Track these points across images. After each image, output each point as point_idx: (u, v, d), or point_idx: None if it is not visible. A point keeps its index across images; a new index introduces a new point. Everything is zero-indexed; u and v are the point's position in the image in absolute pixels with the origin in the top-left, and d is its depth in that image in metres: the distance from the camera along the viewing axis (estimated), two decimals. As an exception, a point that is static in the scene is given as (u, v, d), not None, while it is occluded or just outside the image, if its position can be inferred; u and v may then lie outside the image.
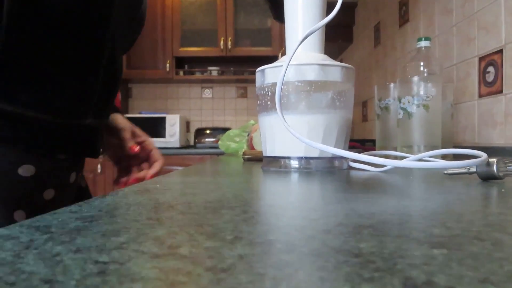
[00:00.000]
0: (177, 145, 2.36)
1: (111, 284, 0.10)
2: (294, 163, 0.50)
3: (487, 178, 0.35)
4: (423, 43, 0.90)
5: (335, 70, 0.50)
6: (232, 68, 2.78)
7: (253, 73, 2.61)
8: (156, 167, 0.65)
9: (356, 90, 2.20)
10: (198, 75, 2.77)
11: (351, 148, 1.21)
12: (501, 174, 0.35)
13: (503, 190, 0.30)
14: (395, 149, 0.94)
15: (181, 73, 2.74)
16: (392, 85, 1.01)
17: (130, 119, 0.68)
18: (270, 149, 0.53)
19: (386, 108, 1.02)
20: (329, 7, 0.50)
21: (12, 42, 0.39)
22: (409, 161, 0.39)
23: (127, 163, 0.67)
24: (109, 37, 0.47)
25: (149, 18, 2.08)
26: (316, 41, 0.53)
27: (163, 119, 2.39)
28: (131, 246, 0.14)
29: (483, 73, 1.01)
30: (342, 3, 0.45)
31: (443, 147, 0.86)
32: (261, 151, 0.69)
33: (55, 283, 0.11)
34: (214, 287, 0.10)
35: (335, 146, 0.50)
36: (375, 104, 1.05)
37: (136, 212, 0.21)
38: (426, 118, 0.81)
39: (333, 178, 0.40)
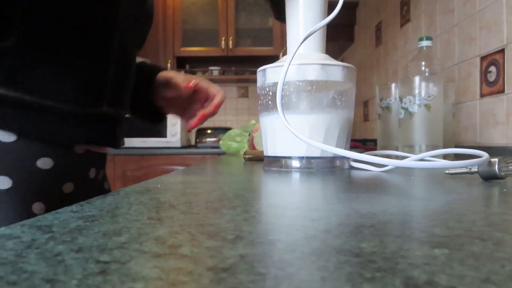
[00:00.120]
0: (178, 144, 2.36)
1: (112, 283, 0.10)
2: (295, 163, 0.50)
3: (489, 178, 0.35)
4: (425, 43, 0.90)
5: (337, 70, 0.50)
6: (233, 68, 2.78)
7: (254, 73, 2.60)
8: (217, 97, 0.65)
9: (357, 89, 2.20)
10: (199, 75, 2.77)
11: (352, 148, 1.21)
12: (502, 174, 0.34)
13: (504, 190, 0.30)
14: (397, 149, 0.94)
15: (182, 73, 2.73)
16: (393, 84, 1.01)
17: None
18: (271, 149, 0.53)
19: (388, 108, 1.02)
20: (330, 7, 0.50)
21: (27, 32, 0.41)
22: (411, 161, 0.39)
23: (192, 111, 0.69)
24: (118, 28, 0.49)
25: (150, 18, 2.08)
26: (317, 40, 0.53)
27: (164, 119, 2.39)
28: (132, 246, 0.14)
29: (484, 72, 1.01)
30: (343, 3, 0.44)
31: (444, 147, 0.86)
32: (262, 151, 0.69)
33: (56, 282, 0.11)
34: (215, 287, 0.10)
35: (336, 146, 0.50)
36: (377, 104, 1.05)
37: (137, 212, 0.21)
38: (428, 117, 0.81)
39: (334, 178, 0.40)
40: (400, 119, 0.86)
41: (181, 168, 1.53)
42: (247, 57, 2.66)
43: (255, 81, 2.67)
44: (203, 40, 2.63)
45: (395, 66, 1.65)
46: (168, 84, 0.66)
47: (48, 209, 0.44)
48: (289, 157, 0.50)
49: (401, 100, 0.85)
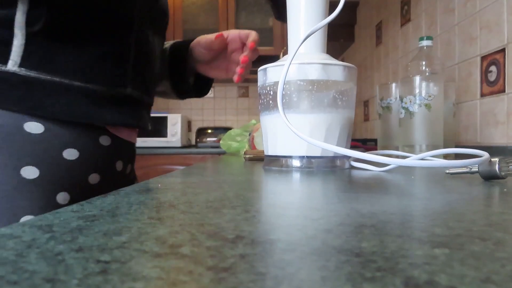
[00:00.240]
0: (179, 144, 2.36)
1: (113, 283, 0.10)
2: (296, 163, 0.50)
3: (489, 177, 0.35)
4: (425, 42, 0.90)
5: (337, 70, 0.50)
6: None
7: (255, 72, 2.60)
8: (250, 37, 0.65)
9: (358, 89, 2.20)
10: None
11: (352, 147, 1.21)
12: (503, 173, 0.34)
13: (505, 189, 0.30)
14: (397, 149, 0.94)
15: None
16: (394, 84, 1.01)
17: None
18: (271, 149, 0.53)
19: (388, 108, 1.02)
20: (331, 6, 0.50)
21: (54, 17, 0.43)
22: (411, 161, 0.39)
23: (233, 65, 0.69)
24: (136, 16, 0.51)
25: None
26: (318, 40, 0.53)
27: (164, 119, 2.40)
28: (132, 245, 0.14)
29: (485, 72, 1.01)
30: (344, 2, 0.44)
31: (445, 147, 0.86)
32: (263, 151, 0.69)
33: (57, 282, 0.11)
34: (215, 287, 0.10)
35: (337, 146, 0.50)
36: (377, 104, 1.05)
37: (138, 212, 0.21)
38: (428, 117, 0.81)
39: (334, 177, 0.40)
40: (400, 118, 0.86)
41: (181, 168, 1.53)
42: (247, 57, 2.66)
43: (255, 80, 2.67)
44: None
45: (396, 65, 1.65)
46: (200, 45, 0.66)
47: (73, 199, 0.46)
48: (290, 157, 0.50)
49: (401, 99, 0.85)
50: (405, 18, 1.54)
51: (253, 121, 1.13)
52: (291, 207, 0.22)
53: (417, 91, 0.81)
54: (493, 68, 0.98)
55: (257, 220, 0.19)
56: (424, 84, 0.81)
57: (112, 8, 0.48)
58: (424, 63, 0.89)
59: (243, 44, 0.68)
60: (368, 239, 0.15)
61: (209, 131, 2.58)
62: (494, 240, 0.15)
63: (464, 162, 0.35)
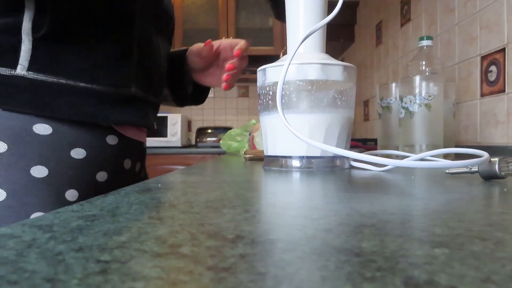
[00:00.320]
0: (179, 144, 2.36)
1: (113, 283, 0.10)
2: (296, 163, 0.50)
3: (489, 177, 0.35)
4: (425, 42, 0.90)
5: (337, 69, 0.50)
6: (233, 67, 2.78)
7: (255, 72, 2.60)
8: (238, 45, 0.66)
9: (358, 89, 2.20)
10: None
11: (352, 147, 1.21)
12: (503, 173, 0.34)
13: (505, 189, 0.30)
14: (397, 149, 0.94)
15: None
16: (393, 84, 1.01)
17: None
18: (271, 149, 0.53)
19: (388, 108, 1.02)
20: (331, 6, 0.50)
21: (56, 22, 0.45)
22: (411, 161, 0.39)
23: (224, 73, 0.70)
24: (138, 18, 0.53)
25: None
26: (318, 40, 0.53)
27: (164, 119, 2.39)
28: (132, 245, 0.14)
29: (485, 72, 1.01)
30: (344, 2, 0.44)
31: (445, 147, 0.86)
32: (263, 151, 0.69)
33: (57, 281, 0.11)
34: (215, 286, 0.10)
35: (337, 146, 0.50)
36: (377, 104, 1.05)
37: (138, 211, 0.21)
38: (428, 117, 0.81)
39: (334, 177, 0.40)
40: (400, 118, 0.86)
41: (181, 167, 1.53)
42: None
43: (255, 80, 2.67)
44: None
45: (396, 65, 1.65)
46: (194, 54, 0.68)
47: (81, 196, 0.48)
48: (289, 157, 0.50)
49: (401, 99, 0.85)
50: (405, 18, 1.54)
51: (253, 121, 1.13)
52: (291, 207, 0.22)
53: (417, 91, 0.81)
54: (493, 68, 0.98)
55: (257, 220, 0.19)
56: (424, 84, 0.81)
57: (112, 10, 0.49)
58: (424, 63, 0.89)
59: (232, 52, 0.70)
60: (368, 239, 0.15)
61: (209, 131, 2.58)
62: (494, 240, 0.15)
63: (464, 162, 0.35)
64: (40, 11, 0.44)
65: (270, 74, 0.53)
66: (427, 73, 0.87)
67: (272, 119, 0.52)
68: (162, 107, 0.68)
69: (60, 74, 0.46)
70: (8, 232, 0.16)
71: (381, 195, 0.26)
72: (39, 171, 0.44)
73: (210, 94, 3.14)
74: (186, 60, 0.70)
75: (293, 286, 0.10)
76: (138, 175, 0.61)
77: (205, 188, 0.31)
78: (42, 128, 0.45)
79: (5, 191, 0.42)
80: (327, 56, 0.53)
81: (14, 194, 0.43)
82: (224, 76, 0.64)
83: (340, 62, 0.50)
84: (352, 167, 0.52)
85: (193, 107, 2.96)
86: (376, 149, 1.18)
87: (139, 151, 0.60)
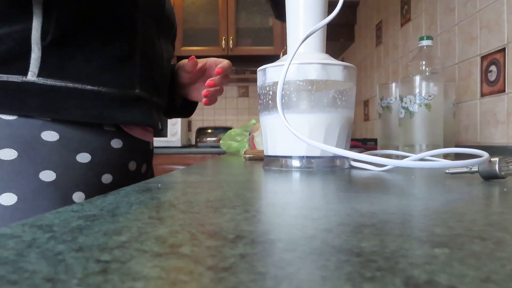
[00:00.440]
0: (179, 144, 2.36)
1: (113, 282, 0.10)
2: (296, 163, 0.50)
3: (489, 177, 0.35)
4: (425, 42, 0.90)
5: (337, 69, 0.50)
6: (233, 67, 2.78)
7: (255, 72, 2.60)
8: (221, 64, 0.69)
9: (358, 89, 2.20)
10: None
11: (352, 147, 1.21)
12: (503, 173, 0.34)
13: (505, 189, 0.30)
14: (397, 148, 0.94)
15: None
16: (393, 84, 1.01)
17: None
18: (271, 148, 0.53)
19: (388, 107, 1.02)
20: (331, 6, 0.50)
21: (61, 29, 0.47)
22: (411, 161, 0.39)
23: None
24: (140, 22, 0.55)
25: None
26: (318, 40, 0.53)
27: (164, 118, 2.40)
28: (132, 245, 0.14)
29: (485, 72, 1.01)
30: (344, 2, 0.44)
31: (445, 146, 0.86)
32: (263, 151, 0.69)
33: (57, 281, 0.11)
34: (215, 286, 0.10)
35: (337, 145, 0.50)
36: (377, 103, 1.05)
37: (138, 211, 0.21)
38: (428, 117, 0.81)
39: (334, 177, 0.40)
40: (400, 118, 0.86)
41: (181, 167, 1.53)
42: (247, 57, 2.66)
43: (255, 80, 2.66)
44: (204, 40, 2.62)
45: (396, 65, 1.65)
46: (180, 69, 0.71)
47: (87, 198, 0.50)
48: (289, 157, 0.50)
49: (401, 99, 0.85)
50: (405, 18, 1.54)
51: (253, 121, 1.13)
52: (291, 207, 0.22)
53: (417, 90, 0.81)
54: (493, 68, 0.98)
55: (257, 220, 0.19)
56: (424, 84, 0.81)
57: (114, 15, 0.52)
58: (424, 62, 0.89)
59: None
60: (368, 239, 0.15)
61: (209, 131, 2.58)
62: (494, 240, 0.15)
63: (464, 162, 0.35)
64: (47, 19, 0.46)
65: (270, 74, 0.53)
66: (427, 73, 0.87)
67: (272, 119, 0.52)
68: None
69: (67, 78, 0.48)
70: (8, 232, 0.16)
71: (381, 195, 0.26)
72: (48, 176, 0.47)
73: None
74: (176, 74, 0.73)
75: (293, 286, 0.10)
76: (144, 176, 0.63)
77: (205, 188, 0.31)
78: (50, 135, 0.48)
79: (16, 195, 0.45)
80: (327, 56, 0.53)
81: (25, 198, 0.45)
82: (204, 91, 0.67)
83: (340, 62, 0.51)
84: (352, 167, 0.52)
85: (193, 107, 2.95)
86: (376, 149, 1.18)
87: (146, 152, 0.62)
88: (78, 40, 0.49)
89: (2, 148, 0.45)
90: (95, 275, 0.11)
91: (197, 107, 0.82)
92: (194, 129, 2.88)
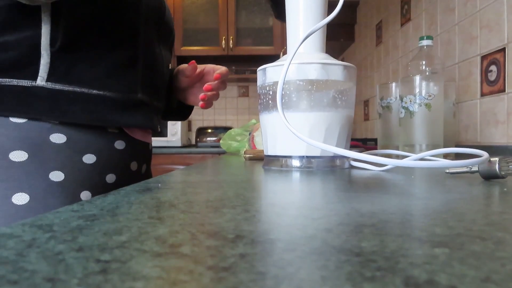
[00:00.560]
0: (179, 144, 2.36)
1: (113, 282, 0.11)
2: (296, 162, 0.50)
3: (489, 177, 0.35)
4: (425, 42, 0.90)
5: (337, 69, 0.50)
6: (233, 67, 2.78)
7: (255, 72, 2.60)
8: (219, 70, 0.71)
9: (358, 89, 2.20)
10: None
11: (352, 147, 1.21)
12: (503, 173, 0.34)
13: (505, 189, 0.30)
14: (397, 148, 0.94)
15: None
16: (394, 84, 1.01)
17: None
18: (271, 148, 0.53)
19: (388, 107, 1.02)
20: (331, 6, 0.50)
21: (69, 36, 0.49)
22: (411, 161, 0.39)
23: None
24: (142, 30, 0.57)
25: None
26: (318, 40, 0.53)
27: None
28: (132, 245, 0.14)
29: (485, 72, 1.01)
30: (344, 2, 0.44)
31: (445, 146, 0.86)
32: (263, 150, 0.69)
33: (57, 281, 0.11)
34: (215, 286, 0.10)
35: (337, 145, 0.50)
36: (377, 103, 1.05)
37: (138, 211, 0.21)
38: (428, 117, 0.81)
39: (334, 177, 0.40)
40: (400, 118, 0.86)
41: (181, 167, 1.53)
42: (247, 56, 2.66)
43: (255, 80, 2.66)
44: (204, 39, 2.62)
45: (396, 65, 1.65)
46: (179, 73, 0.73)
47: (93, 196, 0.52)
48: (289, 157, 0.50)
49: (401, 99, 0.85)
50: (405, 18, 1.54)
51: (253, 121, 1.13)
52: (291, 207, 0.22)
53: (417, 90, 0.81)
54: (493, 68, 0.98)
55: (257, 220, 0.19)
56: (424, 83, 0.81)
57: (118, 22, 0.54)
58: (424, 62, 0.89)
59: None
60: (368, 239, 0.15)
61: (209, 130, 2.58)
62: (494, 240, 0.15)
63: (464, 162, 0.35)
64: (55, 26, 0.48)
65: (270, 74, 0.53)
66: (427, 73, 0.87)
67: (272, 118, 0.52)
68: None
69: (74, 83, 0.50)
70: (8, 232, 0.16)
71: (381, 195, 0.26)
72: (57, 176, 0.49)
73: (210, 94, 3.14)
74: (174, 78, 0.75)
75: (293, 285, 0.10)
76: (144, 176, 0.65)
77: (205, 188, 0.31)
78: (58, 137, 0.50)
79: (28, 195, 0.47)
80: (327, 55, 0.53)
81: (37, 197, 0.47)
82: (201, 95, 0.69)
83: (340, 62, 0.50)
84: (352, 166, 0.52)
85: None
86: (376, 148, 1.18)
87: (146, 153, 0.65)
88: (85, 46, 0.51)
89: (13, 150, 0.47)
90: (95, 275, 0.11)
91: (197, 106, 0.83)
92: (194, 129, 2.88)
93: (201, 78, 0.74)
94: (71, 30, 0.49)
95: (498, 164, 0.34)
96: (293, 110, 0.50)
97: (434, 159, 0.56)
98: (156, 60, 0.62)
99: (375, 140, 1.42)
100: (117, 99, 0.54)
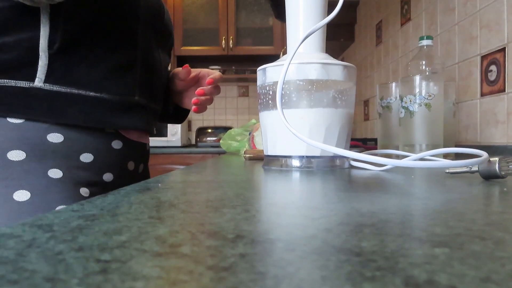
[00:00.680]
0: (179, 144, 2.36)
1: (113, 282, 0.11)
2: (296, 162, 0.50)
3: (489, 177, 0.35)
4: (425, 42, 0.90)
5: (337, 69, 0.50)
6: (233, 67, 2.78)
7: (255, 72, 2.60)
8: (213, 74, 0.71)
9: (358, 89, 2.20)
10: (199, 74, 2.75)
11: (352, 147, 1.21)
12: (503, 173, 0.34)
13: (505, 189, 0.30)
14: (397, 148, 0.94)
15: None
16: (394, 83, 1.01)
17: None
18: (271, 148, 0.53)
19: (388, 107, 1.02)
20: (331, 6, 0.50)
21: (67, 39, 0.49)
22: (410, 161, 0.39)
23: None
24: (140, 31, 0.58)
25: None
26: (318, 40, 0.53)
27: (164, 119, 2.39)
28: (132, 245, 0.14)
29: (485, 71, 1.01)
30: (344, 2, 0.44)
31: (445, 146, 0.86)
32: (263, 150, 0.69)
33: (57, 281, 0.11)
34: (215, 286, 0.10)
35: (337, 145, 0.50)
36: (377, 103, 1.05)
37: (138, 211, 0.21)
38: (428, 117, 0.81)
39: (334, 177, 0.40)
40: (400, 118, 0.86)
41: (181, 167, 1.53)
42: (247, 56, 2.66)
43: (255, 80, 2.66)
44: (204, 39, 2.62)
45: (396, 65, 1.65)
46: (175, 77, 0.74)
47: (92, 193, 0.54)
48: (289, 156, 0.50)
49: (401, 99, 0.85)
50: (405, 18, 1.54)
51: (253, 121, 1.13)
52: (291, 207, 0.22)
53: (417, 90, 0.81)
54: (493, 68, 0.98)
55: (257, 220, 0.19)
56: (424, 83, 0.81)
57: (117, 25, 0.54)
58: (424, 62, 0.89)
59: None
60: (368, 239, 0.15)
61: (209, 130, 2.58)
62: (494, 240, 0.15)
63: (464, 162, 0.35)
64: (54, 28, 0.49)
65: (270, 74, 0.53)
66: (427, 73, 0.86)
67: (272, 118, 0.52)
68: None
69: (72, 85, 0.51)
70: (8, 232, 0.16)
71: (381, 195, 0.26)
72: (55, 173, 0.50)
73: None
74: (170, 81, 0.76)
75: (293, 285, 0.10)
76: (141, 176, 0.66)
77: (205, 188, 0.31)
78: (55, 137, 0.50)
79: (29, 192, 0.48)
80: (327, 55, 0.53)
81: (38, 193, 0.48)
82: (194, 99, 0.69)
83: (340, 62, 0.50)
84: (352, 166, 0.52)
85: (193, 106, 2.95)
86: (376, 148, 1.18)
87: (143, 153, 0.65)
88: (83, 49, 0.52)
89: (11, 150, 0.48)
90: (95, 275, 0.11)
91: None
92: (194, 128, 2.88)
93: (196, 81, 0.75)
94: (70, 32, 0.50)
95: (498, 164, 0.34)
96: (293, 110, 0.50)
97: (434, 159, 0.56)
98: (155, 62, 0.63)
99: (375, 140, 1.42)
100: (114, 102, 0.54)
